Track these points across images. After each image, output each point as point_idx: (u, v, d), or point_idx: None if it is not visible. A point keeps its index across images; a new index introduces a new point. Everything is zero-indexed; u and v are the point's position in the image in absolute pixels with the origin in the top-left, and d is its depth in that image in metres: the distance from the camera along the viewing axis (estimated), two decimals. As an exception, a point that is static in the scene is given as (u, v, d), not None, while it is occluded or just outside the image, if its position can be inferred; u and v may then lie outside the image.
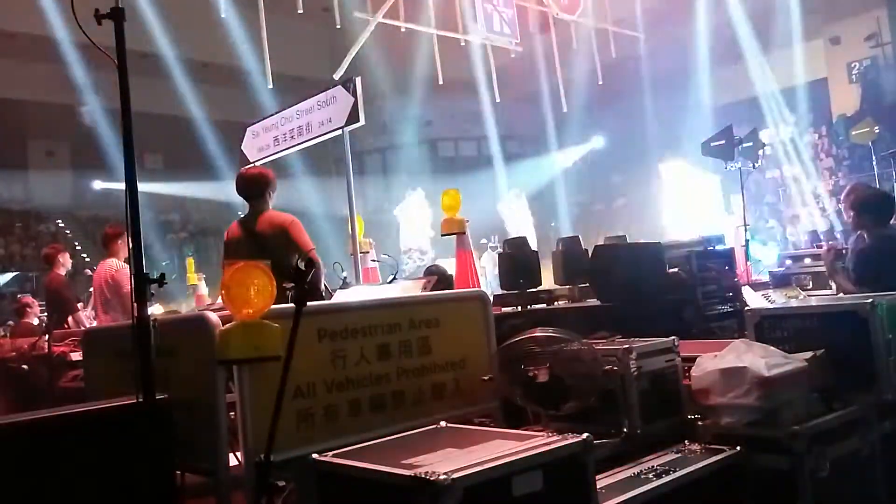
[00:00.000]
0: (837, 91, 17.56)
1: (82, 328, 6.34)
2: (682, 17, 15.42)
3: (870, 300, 3.01)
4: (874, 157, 11.28)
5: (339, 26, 10.83)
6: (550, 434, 2.23)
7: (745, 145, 7.92)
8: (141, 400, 2.27)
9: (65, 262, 7.39)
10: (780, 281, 6.29)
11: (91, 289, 6.99)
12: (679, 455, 2.66)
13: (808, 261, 7.24)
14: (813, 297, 4.79)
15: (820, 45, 17.58)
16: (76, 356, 5.02)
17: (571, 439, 2.13)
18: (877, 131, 10.95)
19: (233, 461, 2.65)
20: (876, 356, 2.94)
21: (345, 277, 5.27)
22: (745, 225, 7.79)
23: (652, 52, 15.90)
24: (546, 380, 2.78)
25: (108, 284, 6.08)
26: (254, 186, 4.85)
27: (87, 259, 14.80)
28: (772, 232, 15.68)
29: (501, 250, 6.18)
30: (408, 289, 3.96)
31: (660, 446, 2.75)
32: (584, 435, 2.15)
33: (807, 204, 16.14)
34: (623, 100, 17.01)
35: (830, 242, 4.95)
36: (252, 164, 7.43)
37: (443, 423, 2.58)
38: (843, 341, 3.01)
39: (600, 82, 13.49)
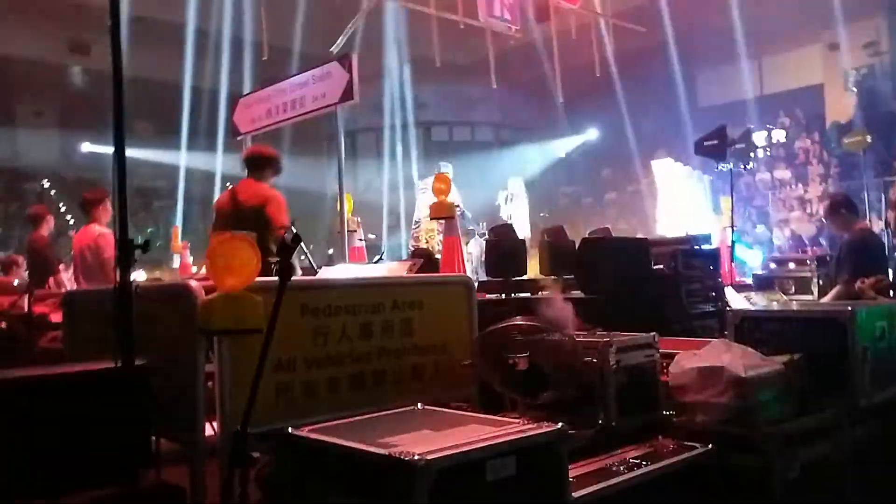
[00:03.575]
0: (833, 97, 17.56)
1: (63, 290, 6.30)
2: (683, 14, 15.37)
3: (850, 307, 3.04)
4: (864, 166, 11.35)
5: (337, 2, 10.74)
6: (526, 421, 2.25)
7: (737, 146, 7.96)
8: (120, 365, 2.26)
9: (49, 224, 7.35)
10: (763, 283, 6.35)
11: (73, 252, 6.94)
12: (651, 449, 2.69)
13: (792, 265, 7.30)
14: (794, 302, 4.83)
15: (817, 50, 17.58)
16: (56, 318, 4.99)
17: (546, 428, 2.14)
18: (869, 140, 11.00)
19: (209, 430, 2.65)
20: (852, 363, 2.98)
21: (331, 254, 5.27)
22: (733, 227, 7.83)
23: (652, 48, 15.86)
24: (525, 368, 2.79)
25: (89, 249, 6.03)
26: (259, 159, 4.92)
27: (72, 221, 14.68)
28: (759, 236, 15.74)
29: (488, 237, 6.18)
30: (393, 270, 3.96)
31: (634, 440, 2.78)
32: (560, 424, 2.17)
33: (795, 209, 16.21)
34: (619, 94, 16.97)
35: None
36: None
37: (419, 405, 2.59)
38: (820, 347, 3.04)
39: (597, 74, 13.44)
